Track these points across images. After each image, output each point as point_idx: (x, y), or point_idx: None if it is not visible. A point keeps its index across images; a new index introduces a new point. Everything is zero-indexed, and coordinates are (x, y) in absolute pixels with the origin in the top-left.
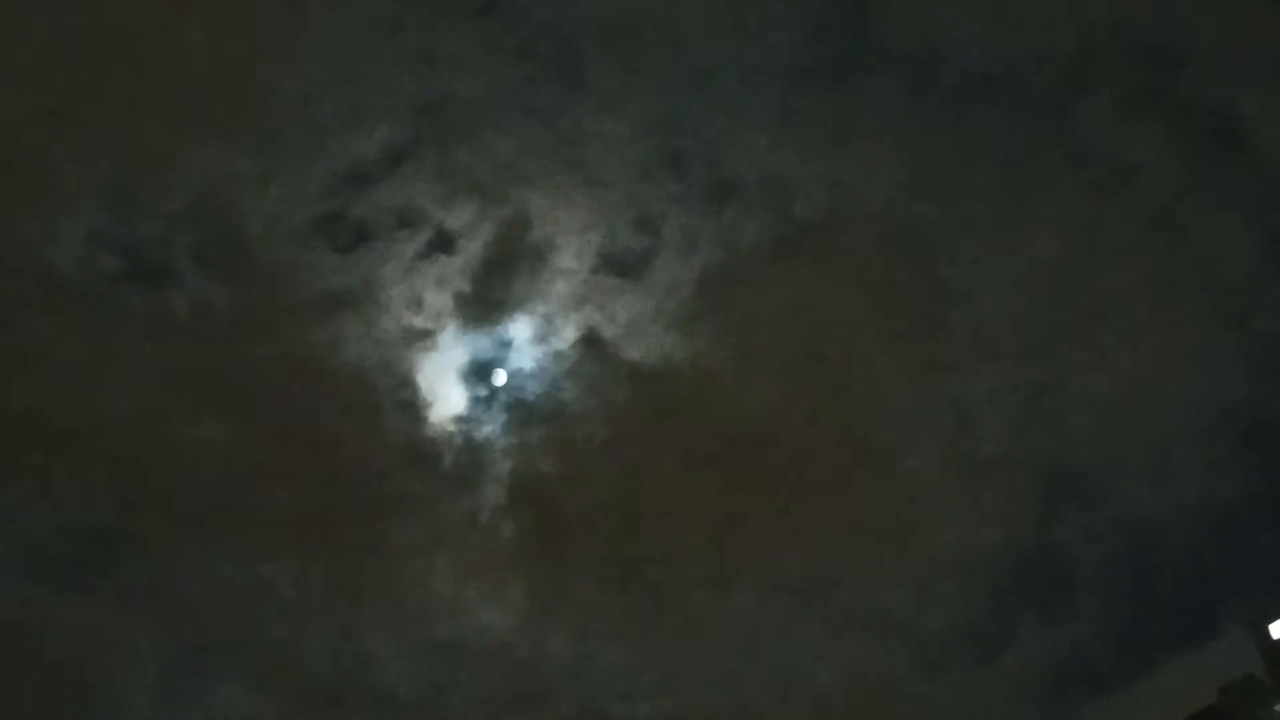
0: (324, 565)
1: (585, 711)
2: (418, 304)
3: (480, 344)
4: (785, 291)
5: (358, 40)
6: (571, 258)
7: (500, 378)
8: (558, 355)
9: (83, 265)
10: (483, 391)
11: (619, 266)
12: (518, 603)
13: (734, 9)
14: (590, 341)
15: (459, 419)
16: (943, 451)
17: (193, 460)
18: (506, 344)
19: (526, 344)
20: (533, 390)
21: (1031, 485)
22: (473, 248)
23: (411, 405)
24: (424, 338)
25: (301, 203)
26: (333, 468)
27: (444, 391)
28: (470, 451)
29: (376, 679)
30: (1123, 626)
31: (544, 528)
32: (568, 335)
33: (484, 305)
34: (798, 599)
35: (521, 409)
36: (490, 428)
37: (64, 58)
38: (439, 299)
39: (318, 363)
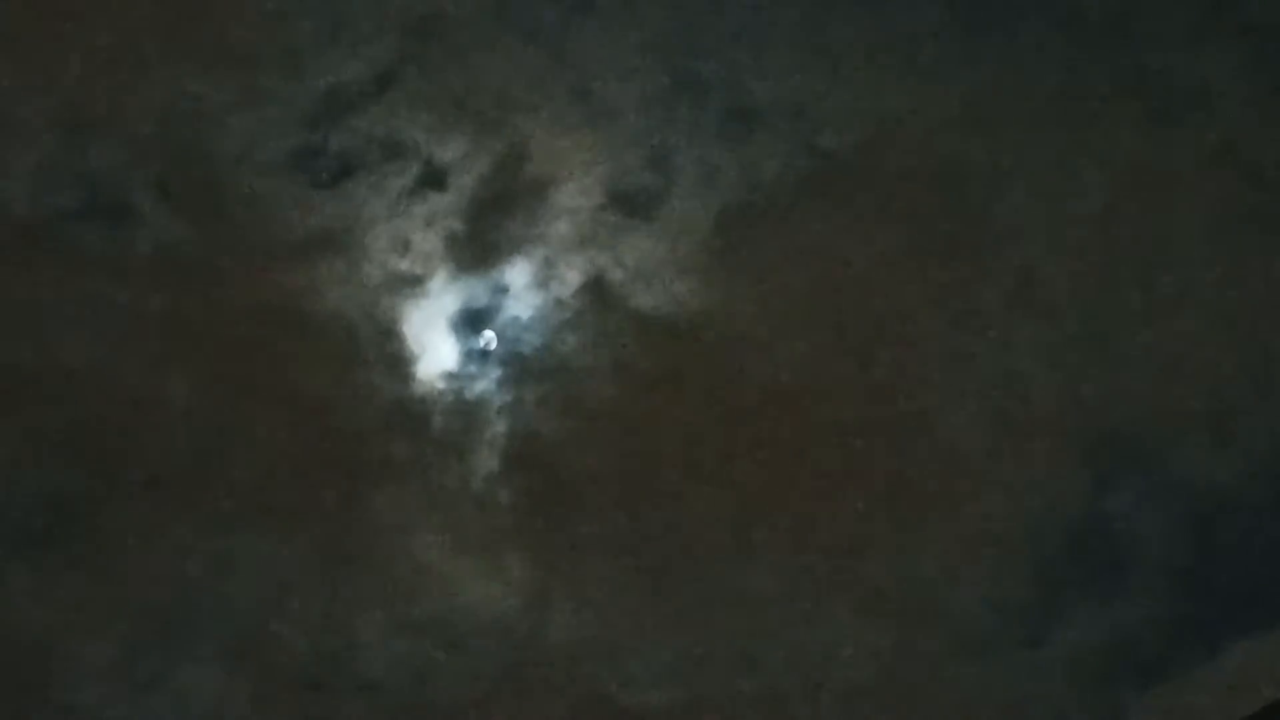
0: (300, 536)
1: (588, 698)
2: (404, 246)
3: (473, 291)
4: (813, 233)
5: None
6: (574, 195)
7: (489, 339)
8: (559, 303)
9: (32, 201)
10: (475, 344)
11: (627, 204)
12: (514, 578)
13: None
14: (595, 288)
15: (449, 375)
16: (985, 411)
17: (154, 418)
18: (502, 290)
19: (524, 291)
20: (531, 343)
21: (1082, 448)
22: (465, 183)
23: (397, 359)
24: (411, 283)
25: (276, 132)
26: (309, 428)
27: (433, 344)
28: (462, 411)
29: (358, 661)
30: (1183, 607)
31: (543, 496)
32: (570, 281)
33: (477, 247)
34: (825, 574)
35: (519, 364)
36: (484, 385)
37: None
38: (428, 240)
39: (293, 311)
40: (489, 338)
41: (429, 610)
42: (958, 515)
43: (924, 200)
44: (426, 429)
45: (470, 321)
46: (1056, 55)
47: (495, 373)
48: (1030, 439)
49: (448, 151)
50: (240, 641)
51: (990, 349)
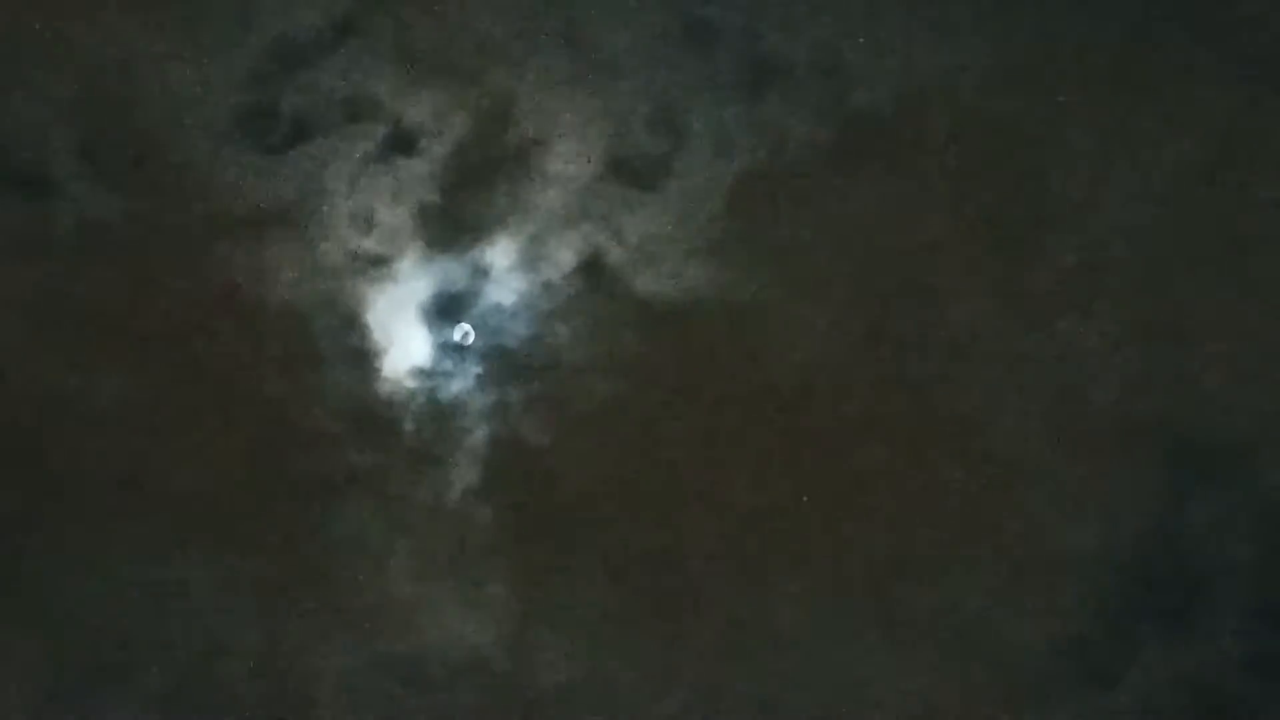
0: (248, 561)
1: None
2: (368, 221)
3: (449, 273)
4: (843, 207)
5: None
6: (567, 161)
7: (466, 333)
8: (549, 288)
9: None
10: (451, 337)
11: (629, 173)
12: (498, 608)
13: None
14: (591, 270)
15: (421, 372)
16: (1042, 415)
17: (81, 423)
18: (482, 273)
19: (508, 273)
20: (516, 334)
21: (1154, 461)
22: (439, 149)
23: (360, 353)
24: (376, 265)
25: (221, 89)
26: (258, 434)
27: (402, 336)
28: (436, 415)
29: (317, 705)
30: (1269, 645)
31: (531, 513)
32: (562, 262)
33: (453, 223)
34: (856, 605)
35: (502, 359)
36: (461, 384)
37: None
38: (396, 215)
39: (240, 298)
40: (465, 331)
41: (395, 645)
42: (1008, 534)
43: (971, 170)
44: (394, 435)
45: (445, 310)
46: (1125, 3)
47: (474, 370)
48: (1091, 448)
49: (419, 111)
50: (180, 684)
51: (1046, 343)
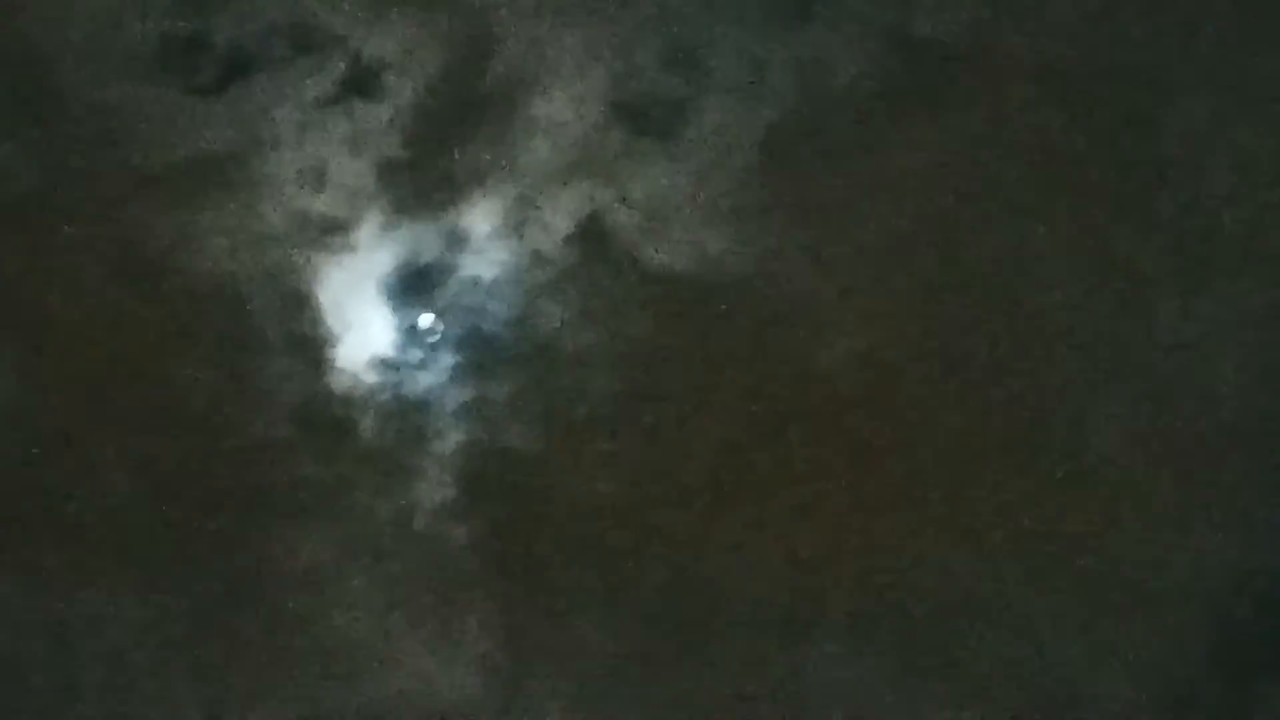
0: (178, 595)
1: None
2: (319, 177)
3: (417, 241)
4: (898, 160)
5: None
6: (562, 104)
7: (431, 325)
8: (538, 259)
9: None
10: (420, 320)
11: (637, 119)
12: (477, 651)
13: None
14: (591, 237)
15: (384, 363)
16: (1138, 415)
17: None
18: (458, 241)
19: (489, 241)
20: (498, 316)
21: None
22: (407, 88)
23: (310, 340)
24: (331, 231)
25: (138, 15)
26: (187, 438)
27: (361, 318)
28: (402, 415)
29: None
30: None
31: (517, 535)
32: (555, 227)
33: (423, 179)
34: (911, 649)
35: (481, 347)
36: (432, 378)
37: None
38: (354, 169)
39: (163, 269)
40: (430, 323)
41: (356, 695)
42: (1093, 562)
43: (1057, 118)
44: (350, 440)
45: (413, 286)
46: None
47: (448, 360)
48: (1199, 456)
49: (384, 44)
50: None
51: (1145, 327)
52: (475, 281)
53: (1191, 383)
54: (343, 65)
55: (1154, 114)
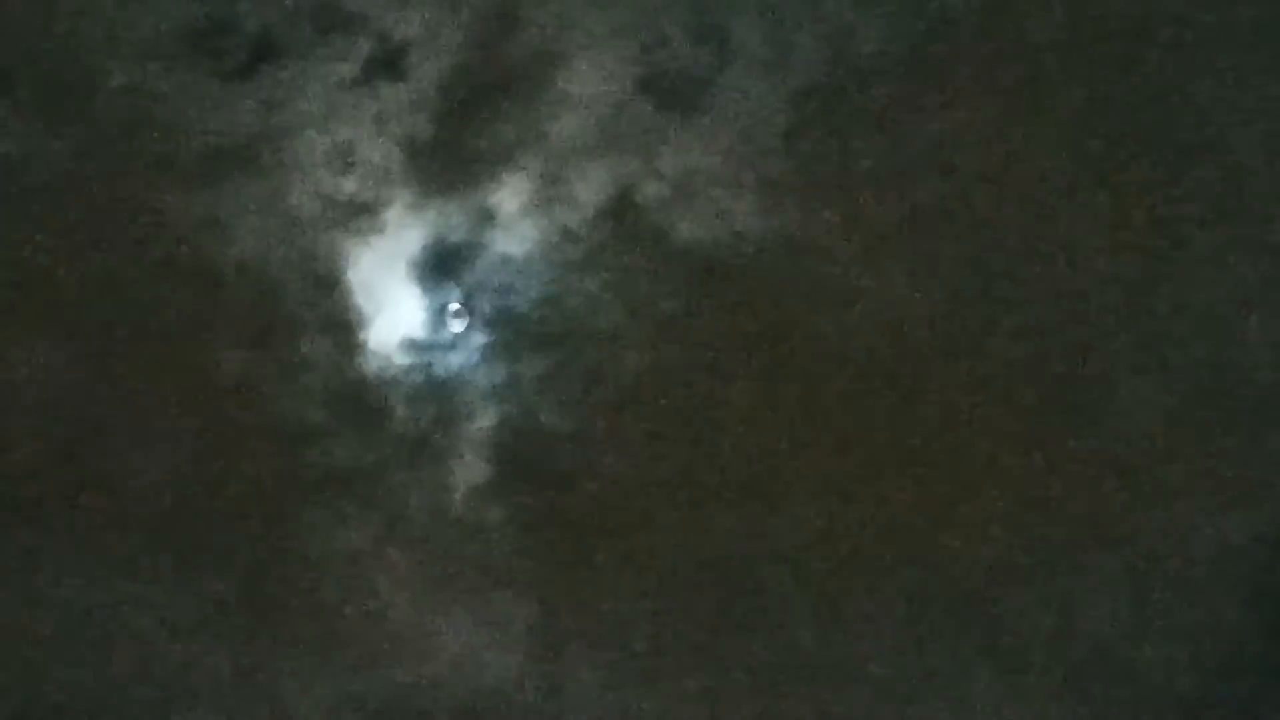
0: (213, 582)
1: None
2: (347, 158)
3: (446, 220)
4: (930, 130)
5: None
6: (589, 79)
7: (458, 312)
8: (568, 235)
9: None
10: (451, 301)
11: (665, 92)
12: (515, 633)
13: None
14: (620, 212)
15: (415, 344)
16: (1187, 389)
17: (6, 409)
18: (487, 219)
19: (518, 218)
20: (528, 295)
21: None
22: (433, 68)
23: (339, 322)
24: (359, 213)
25: (168, 1)
26: (219, 423)
27: (391, 299)
28: (434, 396)
29: None
30: None
31: (552, 515)
32: (585, 203)
33: (450, 157)
34: (948, 623)
35: (512, 326)
36: (464, 358)
37: None
38: (381, 149)
39: (193, 253)
40: (457, 309)
41: (393, 678)
42: (1143, 541)
43: (1093, 82)
44: (384, 423)
45: (442, 265)
46: None
47: (479, 340)
48: (1246, 432)
49: (408, 22)
50: None
51: (1189, 297)
52: (505, 259)
53: (1233, 357)
54: (368, 46)
55: (1183, 86)
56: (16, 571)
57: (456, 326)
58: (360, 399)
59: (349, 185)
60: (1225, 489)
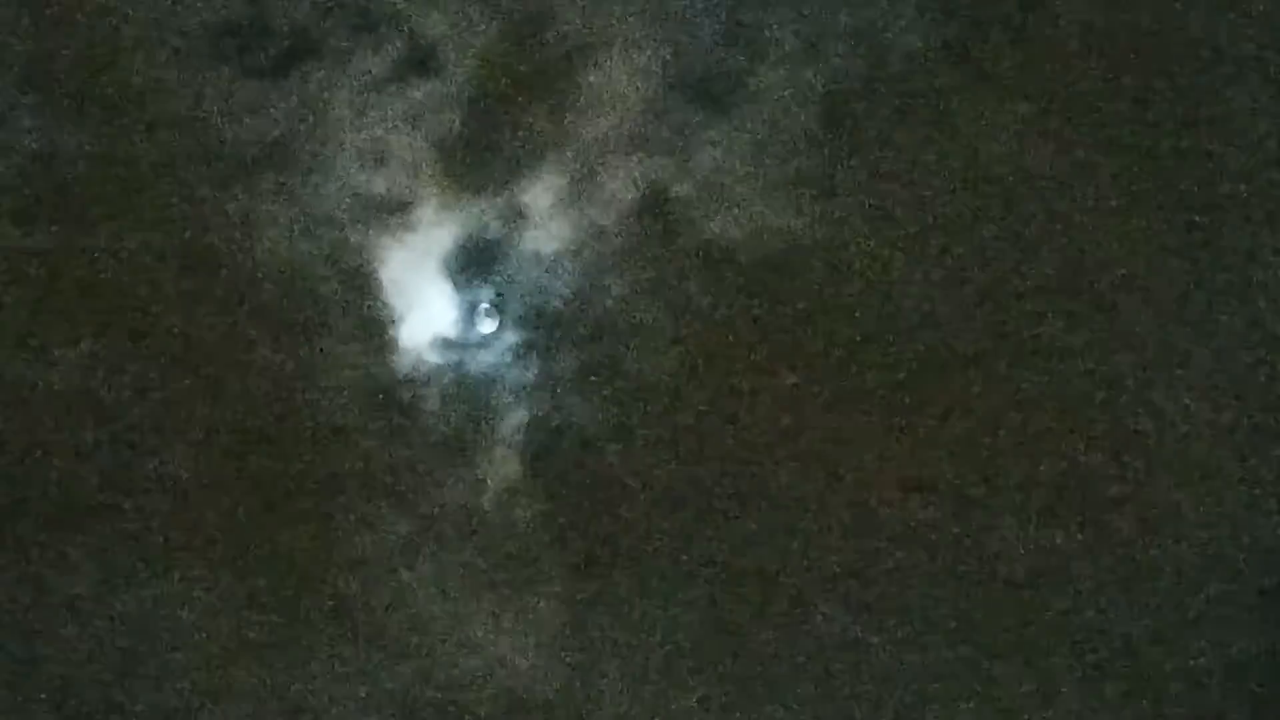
0: (247, 580)
1: None
2: (379, 156)
3: (478, 218)
4: (965, 130)
5: None
6: (622, 77)
7: (488, 311)
8: (600, 233)
9: None
10: (482, 299)
11: (697, 90)
12: (548, 633)
13: None
14: (653, 210)
15: (446, 343)
16: (1230, 389)
17: (27, 413)
18: (518, 217)
19: (550, 216)
20: (560, 293)
21: None
22: (463, 66)
23: (371, 321)
24: (391, 211)
25: (200, 1)
26: (250, 424)
27: (423, 298)
28: (465, 395)
29: None
30: None
31: (586, 514)
32: (617, 201)
33: (482, 155)
34: (973, 623)
35: (544, 324)
36: (495, 356)
37: None
38: (413, 147)
39: (224, 252)
40: (488, 307)
41: (424, 679)
42: (1164, 531)
43: (1124, 80)
44: (414, 421)
45: (474, 263)
46: None
47: (511, 338)
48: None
49: (439, 19)
50: None
51: (1231, 296)
52: (536, 257)
53: (1265, 361)
54: (399, 43)
55: (1223, 77)
56: (46, 573)
57: (488, 325)
58: (391, 397)
59: (381, 183)
60: (1269, 492)
